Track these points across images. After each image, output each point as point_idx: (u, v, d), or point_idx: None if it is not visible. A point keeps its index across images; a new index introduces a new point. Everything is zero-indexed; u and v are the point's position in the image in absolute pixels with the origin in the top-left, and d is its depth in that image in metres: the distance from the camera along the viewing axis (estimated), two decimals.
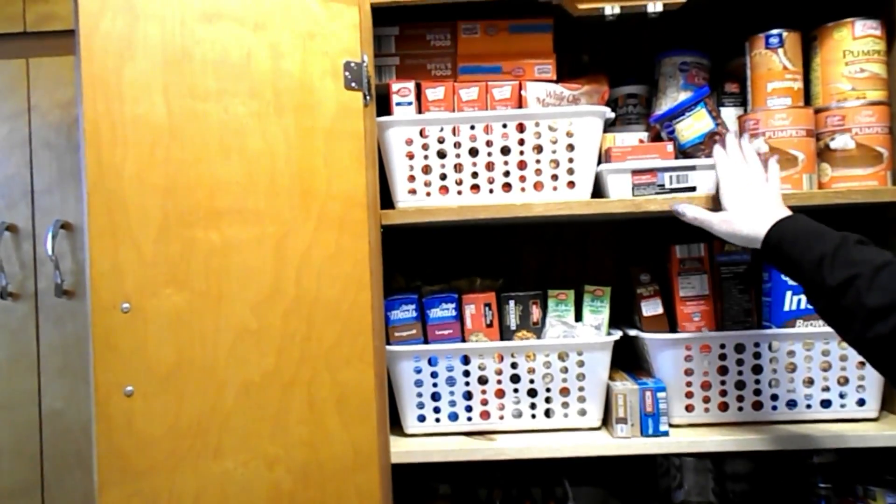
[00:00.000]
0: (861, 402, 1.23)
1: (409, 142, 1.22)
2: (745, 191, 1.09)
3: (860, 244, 0.92)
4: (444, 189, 1.23)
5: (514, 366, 1.24)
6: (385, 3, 1.18)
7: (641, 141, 1.30)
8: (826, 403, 1.24)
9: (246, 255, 1.09)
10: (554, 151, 1.21)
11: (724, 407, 1.25)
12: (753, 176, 1.11)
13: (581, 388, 1.25)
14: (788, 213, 1.04)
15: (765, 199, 1.07)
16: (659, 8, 1.19)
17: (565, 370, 1.24)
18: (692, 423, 1.25)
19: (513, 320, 1.27)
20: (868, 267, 0.88)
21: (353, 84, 1.11)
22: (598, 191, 1.24)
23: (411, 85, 1.24)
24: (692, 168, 1.20)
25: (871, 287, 0.86)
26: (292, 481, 1.10)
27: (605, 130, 1.25)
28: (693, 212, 1.13)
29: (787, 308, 1.24)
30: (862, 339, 0.88)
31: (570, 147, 1.21)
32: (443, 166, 1.22)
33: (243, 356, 1.09)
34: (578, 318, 1.29)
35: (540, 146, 1.21)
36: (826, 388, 1.23)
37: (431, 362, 1.25)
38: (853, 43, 1.20)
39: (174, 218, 1.09)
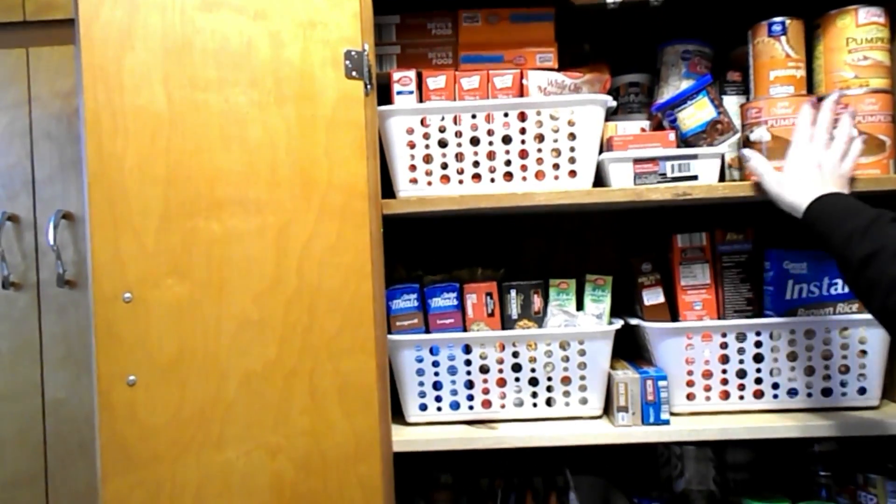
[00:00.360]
0: (862, 391, 1.23)
1: (410, 131, 1.22)
2: (810, 163, 1.10)
3: (894, 221, 0.94)
4: (446, 178, 1.22)
5: (515, 355, 1.25)
6: None
7: (643, 130, 1.30)
8: (827, 392, 1.24)
9: (247, 245, 1.09)
10: (555, 140, 1.21)
11: (725, 396, 1.25)
12: (828, 156, 1.10)
13: (582, 377, 1.25)
14: (832, 189, 1.05)
15: (824, 176, 1.08)
16: None
17: (566, 359, 1.24)
18: (693, 412, 1.25)
19: (514, 310, 1.27)
20: (890, 241, 0.91)
21: (354, 73, 1.11)
22: (600, 180, 1.24)
23: (412, 74, 1.24)
24: (694, 157, 1.20)
25: (891, 259, 0.89)
26: (294, 471, 1.10)
27: (607, 119, 1.25)
28: (756, 161, 1.16)
29: (788, 297, 1.24)
30: (884, 309, 0.91)
31: (572, 136, 1.21)
32: (444, 155, 1.22)
33: (245, 346, 1.09)
34: (580, 307, 1.29)
35: (541, 135, 1.21)
36: (827, 377, 1.24)
37: (433, 352, 1.25)
38: (856, 30, 1.19)
39: (175, 208, 1.09)
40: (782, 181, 1.11)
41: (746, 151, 1.18)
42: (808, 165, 1.10)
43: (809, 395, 1.24)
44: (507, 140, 1.21)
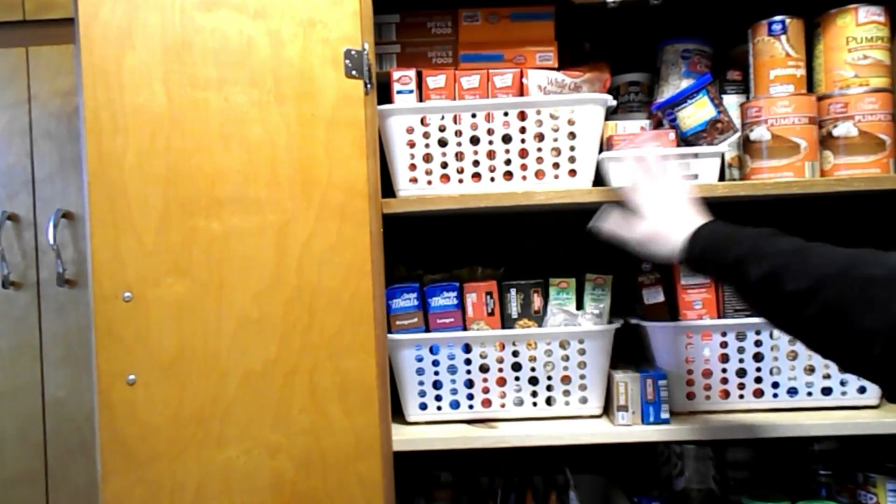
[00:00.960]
0: (862, 390, 1.23)
1: (410, 130, 1.22)
2: (655, 207, 1.06)
3: (773, 237, 0.91)
4: (446, 178, 1.22)
5: (515, 354, 1.25)
6: None
7: (643, 129, 1.30)
8: (827, 391, 1.24)
9: (247, 244, 1.09)
10: (555, 139, 1.21)
11: (725, 395, 1.25)
12: (660, 191, 1.08)
13: (582, 377, 1.25)
14: (699, 219, 1.01)
15: (675, 211, 1.04)
16: None
17: (566, 358, 1.24)
18: (693, 411, 1.25)
19: (514, 309, 1.27)
20: (782, 257, 0.86)
21: (354, 72, 1.11)
22: (600, 179, 1.24)
23: (412, 73, 1.24)
24: (694, 156, 1.20)
25: (788, 275, 0.85)
26: (294, 469, 1.10)
27: (607, 118, 1.25)
28: (610, 227, 1.11)
29: None
30: (797, 328, 0.87)
31: (572, 135, 1.21)
32: (444, 154, 1.22)
33: (245, 345, 1.09)
34: (580, 306, 1.29)
35: (541, 134, 1.21)
36: (827, 376, 1.24)
37: (433, 351, 1.25)
38: (856, 29, 1.19)
39: (175, 207, 1.09)
40: (644, 241, 1.06)
41: (597, 225, 1.13)
42: (654, 213, 1.06)
43: (809, 393, 1.24)
44: (506, 139, 1.21)
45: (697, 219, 1.02)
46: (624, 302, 1.36)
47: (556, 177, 1.21)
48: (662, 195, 1.07)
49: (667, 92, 1.31)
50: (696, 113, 1.21)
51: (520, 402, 1.26)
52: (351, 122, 1.11)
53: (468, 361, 1.25)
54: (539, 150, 1.21)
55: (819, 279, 0.81)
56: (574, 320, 1.25)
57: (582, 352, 1.24)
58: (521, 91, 1.23)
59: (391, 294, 1.24)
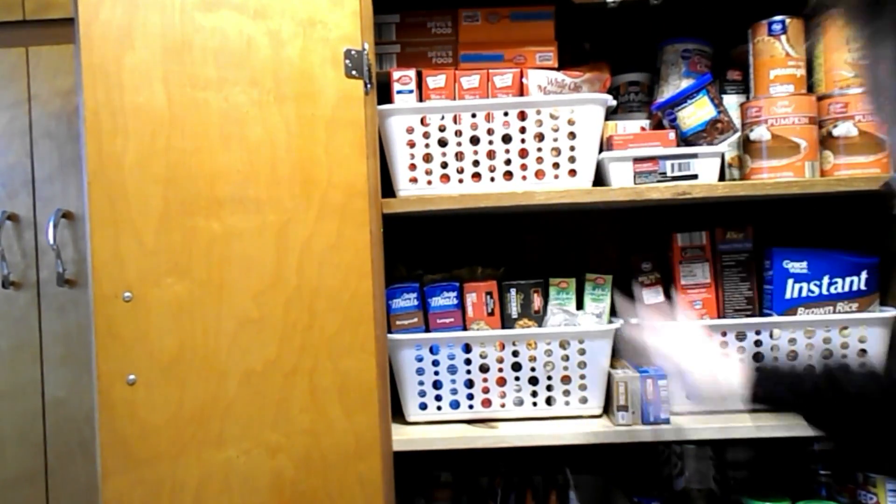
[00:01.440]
0: None
1: (410, 130, 1.22)
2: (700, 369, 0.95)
3: (833, 378, 0.85)
4: (446, 177, 1.22)
5: (515, 354, 1.25)
6: None
7: (643, 129, 1.30)
8: None
9: (247, 244, 1.09)
10: (555, 139, 1.21)
11: None
12: (698, 353, 0.96)
13: (582, 377, 1.25)
14: (740, 367, 0.92)
15: (714, 365, 0.94)
16: None
17: (566, 358, 1.24)
18: (693, 411, 1.25)
19: (514, 309, 1.27)
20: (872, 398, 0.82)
21: (354, 72, 1.11)
22: (600, 179, 1.24)
23: (412, 73, 1.24)
24: (694, 156, 1.20)
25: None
26: (294, 469, 1.10)
27: (607, 118, 1.25)
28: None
29: (788, 296, 1.24)
30: None
31: (572, 135, 1.21)
32: (444, 154, 1.22)
33: (245, 345, 1.09)
34: (580, 306, 1.29)
35: (541, 134, 1.21)
36: None
37: (433, 351, 1.25)
38: None
39: (175, 207, 1.09)
40: (706, 384, 0.94)
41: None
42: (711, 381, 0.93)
43: None
44: (506, 139, 1.21)
45: (737, 366, 0.92)
46: None
47: (556, 177, 1.21)
48: (698, 357, 0.96)
49: (667, 92, 1.31)
50: (696, 113, 1.21)
51: (520, 402, 1.26)
52: (351, 122, 1.11)
53: (468, 361, 1.25)
54: (539, 150, 1.21)
55: None
56: (574, 320, 1.25)
57: (582, 352, 1.24)
58: (521, 91, 1.23)
59: (391, 294, 1.24)
